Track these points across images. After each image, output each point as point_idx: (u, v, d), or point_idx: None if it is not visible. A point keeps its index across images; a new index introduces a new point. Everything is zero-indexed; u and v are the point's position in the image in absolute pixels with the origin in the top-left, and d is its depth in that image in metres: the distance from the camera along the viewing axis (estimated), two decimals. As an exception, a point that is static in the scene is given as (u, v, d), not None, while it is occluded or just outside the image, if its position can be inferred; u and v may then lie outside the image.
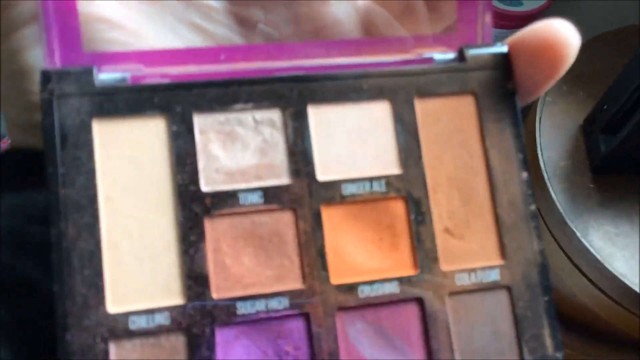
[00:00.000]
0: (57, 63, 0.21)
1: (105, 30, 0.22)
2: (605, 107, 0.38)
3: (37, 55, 0.22)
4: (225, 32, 0.25)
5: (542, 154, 0.41)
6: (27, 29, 0.22)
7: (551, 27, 0.22)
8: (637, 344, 0.40)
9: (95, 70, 0.21)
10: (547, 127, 0.42)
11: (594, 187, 0.40)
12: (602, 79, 0.39)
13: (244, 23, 0.25)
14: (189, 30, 0.25)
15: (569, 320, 0.43)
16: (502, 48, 0.23)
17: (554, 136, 0.42)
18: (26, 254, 0.23)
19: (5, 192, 0.23)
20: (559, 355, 0.21)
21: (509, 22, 0.52)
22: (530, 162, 0.41)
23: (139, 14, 0.23)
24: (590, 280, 0.38)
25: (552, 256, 0.41)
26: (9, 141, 0.26)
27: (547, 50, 0.22)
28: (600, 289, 0.38)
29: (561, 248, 0.40)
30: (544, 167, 0.40)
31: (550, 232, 0.40)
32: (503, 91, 0.23)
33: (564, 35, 0.22)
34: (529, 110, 0.43)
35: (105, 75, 0.21)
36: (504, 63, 0.23)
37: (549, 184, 0.40)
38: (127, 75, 0.21)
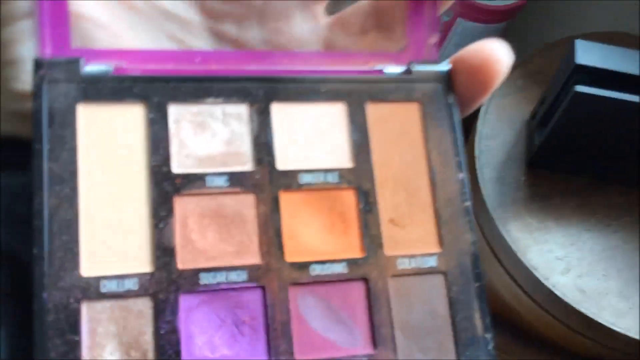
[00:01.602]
0: (48, 56, 0.24)
1: (91, 29, 0.25)
2: (543, 102, 0.40)
3: (29, 47, 0.25)
4: (201, 45, 0.28)
5: (480, 142, 0.42)
6: (21, 23, 0.25)
7: (486, 48, 0.25)
8: (554, 343, 0.41)
9: (82, 61, 0.23)
10: (494, 117, 0.42)
11: (525, 180, 0.41)
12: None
13: (219, 37, 0.29)
14: (168, 40, 0.27)
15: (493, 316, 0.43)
16: (445, 66, 0.26)
17: (498, 128, 0.42)
18: (22, 233, 0.25)
19: (2, 174, 0.26)
20: (487, 335, 0.24)
21: (488, 16, 0.53)
22: (469, 149, 0.42)
23: (124, 21, 0.26)
24: (506, 270, 0.39)
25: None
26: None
27: (481, 68, 0.25)
28: (515, 282, 0.39)
29: (484, 237, 0.42)
30: (479, 154, 0.41)
31: (477, 220, 0.41)
32: (444, 102, 0.26)
33: (496, 55, 0.25)
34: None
35: (91, 67, 0.24)
36: (446, 78, 0.26)
37: (479, 172, 0.40)
38: (111, 67, 0.24)
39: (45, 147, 0.22)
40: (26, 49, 0.25)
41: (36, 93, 0.23)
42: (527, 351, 0.43)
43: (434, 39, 0.27)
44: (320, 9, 0.29)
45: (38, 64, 0.23)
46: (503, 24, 0.55)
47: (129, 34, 0.26)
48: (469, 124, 0.49)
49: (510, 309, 0.42)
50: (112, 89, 0.23)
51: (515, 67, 0.44)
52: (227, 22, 0.28)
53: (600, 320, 0.37)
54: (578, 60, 0.36)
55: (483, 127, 0.43)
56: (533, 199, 0.41)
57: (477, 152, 0.41)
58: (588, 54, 0.36)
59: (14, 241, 0.25)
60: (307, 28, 0.29)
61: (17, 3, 0.25)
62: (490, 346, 0.24)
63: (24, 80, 0.25)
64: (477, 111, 0.44)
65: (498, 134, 0.43)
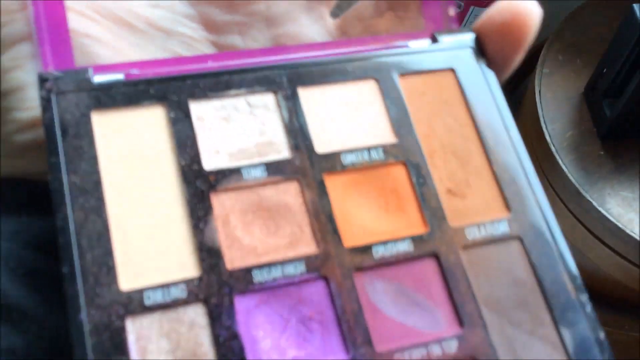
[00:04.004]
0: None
1: (93, 45, 0.25)
2: (604, 71, 0.41)
3: (27, 73, 0.24)
4: None
5: (546, 127, 0.43)
6: (17, 47, 0.24)
7: (513, 3, 0.25)
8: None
9: (90, 71, 0.23)
10: (548, 99, 0.44)
11: (604, 154, 0.42)
12: (598, 44, 0.41)
13: (223, 50, 0.28)
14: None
15: (597, 295, 0.43)
16: (470, 34, 0.26)
17: (557, 107, 0.44)
18: (20, 280, 0.24)
19: (2, 217, 0.24)
20: (582, 297, 0.23)
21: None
22: (535, 136, 0.43)
23: (124, 40, 0.26)
24: (612, 249, 0.39)
25: (571, 231, 0.41)
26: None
27: (512, 24, 0.25)
28: (625, 258, 0.39)
29: (579, 221, 0.42)
30: (551, 140, 0.42)
31: (565, 206, 0.42)
32: (477, 66, 0.26)
33: (526, 8, 0.25)
34: (528, 84, 0.45)
35: (100, 77, 0.23)
36: (475, 42, 0.26)
37: (558, 157, 0.41)
38: (121, 76, 0.23)
39: (62, 159, 0.21)
40: (27, 74, 0.24)
41: (45, 107, 0.22)
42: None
43: (452, 11, 0.27)
44: (325, 10, 0.29)
45: (43, 78, 0.22)
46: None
47: (131, 51, 0.26)
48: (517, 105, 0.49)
49: (623, 286, 0.41)
50: (126, 94, 0.23)
51: (550, 43, 0.45)
52: (232, 33, 0.28)
53: None
54: None
55: (544, 111, 0.44)
56: (619, 171, 0.42)
57: (548, 138, 0.42)
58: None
59: (15, 290, 0.23)
60: (315, 28, 0.29)
61: (10, 26, 0.24)
62: (589, 308, 0.22)
63: (28, 107, 0.24)
64: (533, 96, 0.45)
65: (560, 115, 0.44)
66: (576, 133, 0.44)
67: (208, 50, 0.28)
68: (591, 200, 0.41)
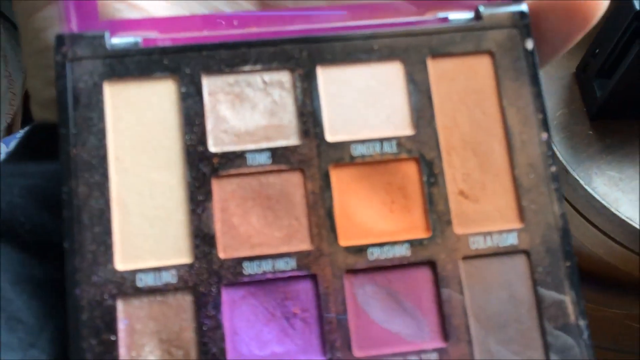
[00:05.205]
0: (74, 30, 0.24)
1: (123, 10, 0.24)
2: (596, 51, 0.41)
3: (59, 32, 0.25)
4: None
5: None
6: (48, 8, 0.25)
7: None
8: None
9: (107, 35, 0.23)
10: (541, 77, 0.45)
11: (593, 134, 0.44)
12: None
13: (269, 8, 0.27)
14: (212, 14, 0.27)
15: (582, 272, 0.45)
16: (521, 6, 0.24)
17: (548, 86, 0.46)
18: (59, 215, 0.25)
19: (36, 159, 0.26)
20: (581, 323, 0.22)
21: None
22: None
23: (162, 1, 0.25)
24: (598, 228, 0.41)
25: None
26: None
27: (578, 8, 0.23)
28: (609, 236, 0.41)
29: (565, 199, 0.43)
30: None
31: None
32: (521, 50, 0.24)
33: None
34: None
35: (118, 40, 0.23)
36: (523, 21, 0.24)
37: None
38: (139, 39, 0.23)
39: (72, 132, 0.22)
40: (55, 34, 0.25)
41: (59, 73, 0.23)
42: (627, 300, 0.44)
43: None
44: None
45: (60, 40, 0.23)
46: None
47: (167, 13, 0.25)
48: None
49: (607, 264, 0.43)
50: (140, 62, 0.23)
51: None
52: None
53: None
54: None
55: None
56: (607, 151, 0.44)
57: None
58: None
59: (56, 229, 0.25)
60: None
61: None
62: (586, 335, 0.22)
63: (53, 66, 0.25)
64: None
65: (551, 93, 0.45)
66: (566, 112, 0.44)
67: (251, 7, 0.27)
68: (578, 178, 0.42)
